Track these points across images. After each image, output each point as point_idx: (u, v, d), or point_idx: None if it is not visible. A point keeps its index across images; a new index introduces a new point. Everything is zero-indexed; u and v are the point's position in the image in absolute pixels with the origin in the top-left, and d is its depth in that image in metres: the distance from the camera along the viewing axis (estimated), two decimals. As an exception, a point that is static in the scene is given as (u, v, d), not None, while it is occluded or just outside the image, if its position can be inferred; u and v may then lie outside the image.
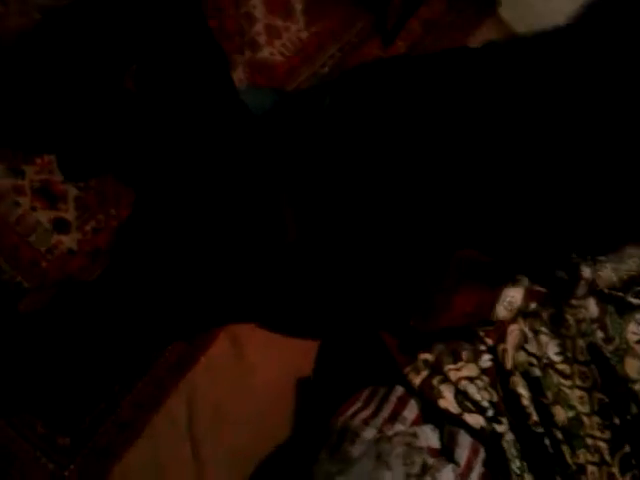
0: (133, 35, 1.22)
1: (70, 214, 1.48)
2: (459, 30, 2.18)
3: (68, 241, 1.45)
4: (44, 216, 1.45)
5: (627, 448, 1.16)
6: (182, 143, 1.22)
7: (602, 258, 1.36)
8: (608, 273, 1.31)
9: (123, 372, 1.40)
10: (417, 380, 1.16)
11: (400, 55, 1.64)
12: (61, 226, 1.46)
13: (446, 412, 1.12)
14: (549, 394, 1.17)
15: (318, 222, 1.19)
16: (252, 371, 1.47)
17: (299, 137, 1.21)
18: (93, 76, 1.28)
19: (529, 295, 1.22)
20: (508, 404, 1.16)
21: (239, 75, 1.80)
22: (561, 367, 1.22)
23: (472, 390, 1.13)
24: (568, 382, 1.22)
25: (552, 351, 1.24)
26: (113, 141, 1.34)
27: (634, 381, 1.25)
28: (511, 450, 1.11)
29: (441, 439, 1.12)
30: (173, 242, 1.23)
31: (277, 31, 1.95)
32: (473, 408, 1.13)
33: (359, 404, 1.22)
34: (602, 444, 1.16)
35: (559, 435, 1.14)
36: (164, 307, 1.24)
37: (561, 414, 1.15)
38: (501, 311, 1.20)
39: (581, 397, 1.21)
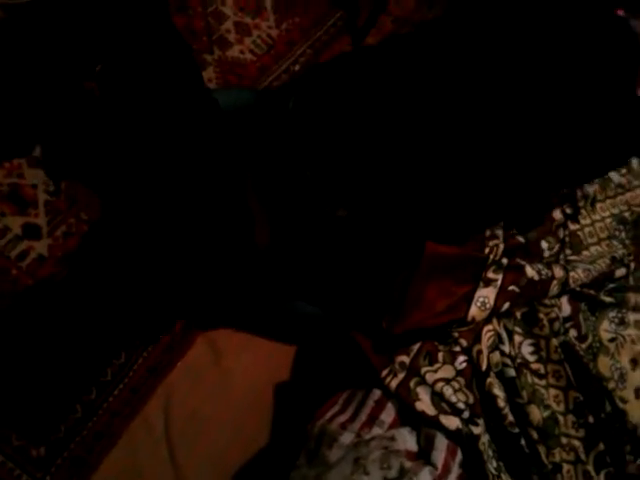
0: (97, 33, 1.19)
1: (41, 219, 1.45)
2: (430, 26, 2.17)
3: (39, 247, 1.42)
4: (14, 222, 1.42)
5: (601, 446, 1.18)
6: (149, 143, 1.20)
7: (573, 258, 1.38)
8: (579, 272, 1.32)
9: (97, 377, 1.38)
10: (394, 383, 1.17)
11: (351, 51, 1.62)
12: (31, 232, 1.43)
13: (423, 414, 1.13)
14: (524, 394, 1.18)
15: (289, 224, 1.18)
16: (230, 376, 1.46)
17: (267, 139, 1.20)
18: (55, 76, 1.25)
19: (502, 295, 1.23)
20: (484, 405, 1.17)
21: (209, 74, 1.77)
22: (535, 366, 1.24)
23: (448, 392, 1.14)
24: (543, 381, 1.23)
25: (526, 351, 1.25)
26: (76, 143, 1.32)
27: (608, 379, 1.27)
28: (487, 451, 1.12)
29: (418, 442, 1.12)
30: (142, 243, 1.21)
31: (247, 29, 1.93)
32: (449, 410, 1.14)
33: (337, 408, 1.22)
34: (577, 442, 1.18)
35: (535, 435, 1.15)
36: (133, 307, 1.23)
37: (536, 414, 1.16)
38: (475, 312, 1.20)
39: (556, 396, 1.23)
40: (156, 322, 1.40)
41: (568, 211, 1.47)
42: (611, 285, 1.43)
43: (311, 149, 1.10)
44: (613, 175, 1.64)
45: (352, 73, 1.15)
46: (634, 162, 1.73)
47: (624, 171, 1.68)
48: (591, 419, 1.21)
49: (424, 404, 1.13)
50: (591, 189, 1.54)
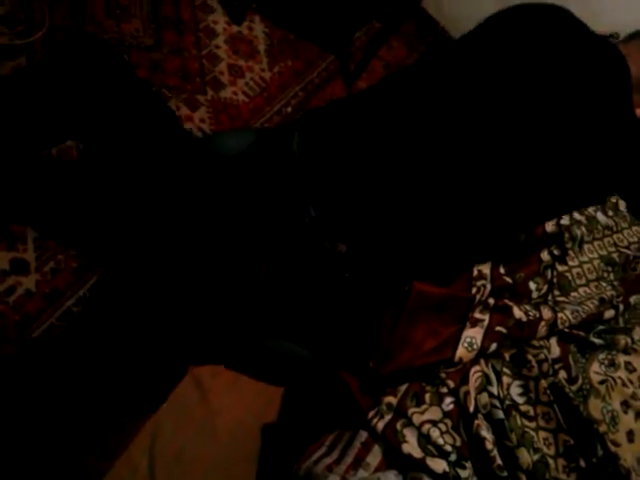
0: (73, 106, 1.20)
1: (29, 255, 1.45)
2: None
3: (27, 282, 1.42)
4: (2, 257, 1.42)
5: (593, 491, 1.16)
6: (140, 196, 1.21)
7: (562, 299, 1.37)
8: (568, 314, 1.32)
9: (88, 420, 1.36)
10: (381, 424, 1.15)
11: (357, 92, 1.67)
12: (19, 267, 1.43)
13: (409, 457, 1.11)
14: (513, 437, 1.16)
15: (286, 260, 1.18)
16: (216, 415, 1.44)
17: (270, 178, 1.21)
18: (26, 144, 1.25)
19: (489, 336, 1.22)
20: (472, 448, 1.14)
21: (202, 114, 1.80)
22: (524, 408, 1.22)
23: (435, 434, 1.12)
24: (532, 424, 1.21)
25: (515, 392, 1.24)
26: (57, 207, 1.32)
27: (599, 422, 1.25)
28: (475, 495, 1.10)
29: (405, 485, 1.10)
30: (141, 287, 1.20)
31: (240, 71, 1.97)
32: (436, 452, 1.12)
33: (323, 449, 1.20)
34: (567, 487, 1.16)
35: (524, 479, 1.13)
36: (133, 352, 1.21)
37: (526, 457, 1.14)
38: (462, 352, 1.19)
39: (546, 439, 1.21)
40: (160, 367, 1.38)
41: (556, 252, 1.48)
42: (600, 327, 1.42)
43: (314, 187, 1.11)
44: (600, 217, 1.65)
45: (351, 115, 1.17)
46: (621, 204, 1.75)
47: (611, 213, 1.69)
48: (582, 463, 1.18)
49: (411, 446, 1.11)
50: (578, 231, 1.54)
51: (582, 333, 1.37)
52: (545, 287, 1.41)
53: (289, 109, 1.98)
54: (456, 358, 1.19)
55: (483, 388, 1.20)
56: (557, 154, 1.08)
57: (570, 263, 1.49)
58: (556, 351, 1.32)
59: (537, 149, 1.07)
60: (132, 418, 1.40)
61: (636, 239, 1.70)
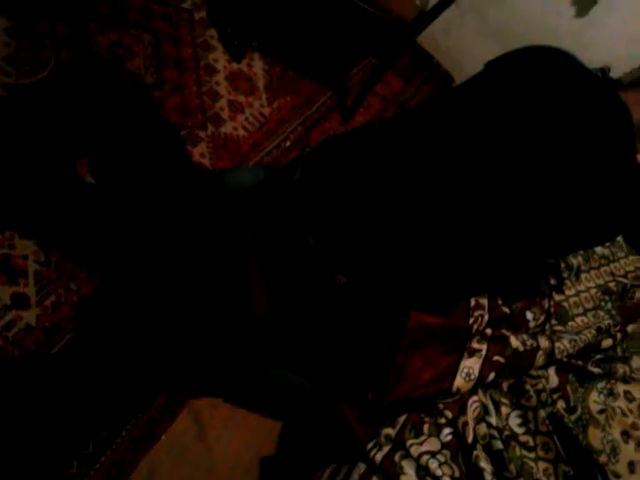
0: (87, 122, 1.23)
1: (30, 289, 1.46)
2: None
3: (27, 316, 1.43)
4: (3, 291, 1.43)
5: (593, 523, 1.15)
6: (146, 224, 1.22)
7: (559, 328, 1.38)
8: (565, 343, 1.33)
9: (79, 450, 1.35)
10: (379, 456, 1.14)
11: (364, 125, 1.71)
12: (20, 301, 1.44)
13: (408, 489, 1.10)
14: (512, 467, 1.16)
15: (287, 292, 1.19)
16: (214, 451, 1.43)
17: (273, 208, 1.23)
18: (47, 158, 1.28)
19: (487, 366, 1.22)
20: (471, 479, 1.14)
21: (202, 149, 1.83)
22: (524, 439, 1.22)
23: (433, 465, 1.12)
24: (532, 454, 1.21)
25: (514, 422, 1.24)
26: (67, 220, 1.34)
27: (599, 452, 1.25)
28: (475, 528, 1.09)
29: (404, 518, 1.09)
30: (138, 318, 1.21)
31: (240, 107, 2.01)
32: (435, 484, 1.11)
33: (322, 483, 1.19)
34: (568, 519, 1.15)
35: (523, 510, 1.12)
36: (125, 380, 1.22)
37: (525, 488, 1.14)
38: (460, 382, 1.19)
39: (545, 469, 1.20)
40: (142, 394, 1.39)
41: (552, 282, 1.49)
42: (598, 356, 1.42)
43: (314, 218, 1.13)
44: (597, 247, 1.67)
45: (351, 150, 1.20)
46: (617, 234, 1.76)
47: (607, 243, 1.71)
48: (582, 494, 1.18)
49: (409, 478, 1.11)
50: (575, 260, 1.56)
51: (580, 362, 1.38)
52: (542, 317, 1.42)
53: (288, 143, 2.02)
54: (454, 388, 1.19)
55: (481, 418, 1.20)
56: (562, 201, 1.09)
57: (567, 292, 1.50)
58: (554, 381, 1.32)
59: (540, 197, 1.09)
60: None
61: (632, 268, 1.71)
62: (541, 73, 1.15)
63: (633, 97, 1.14)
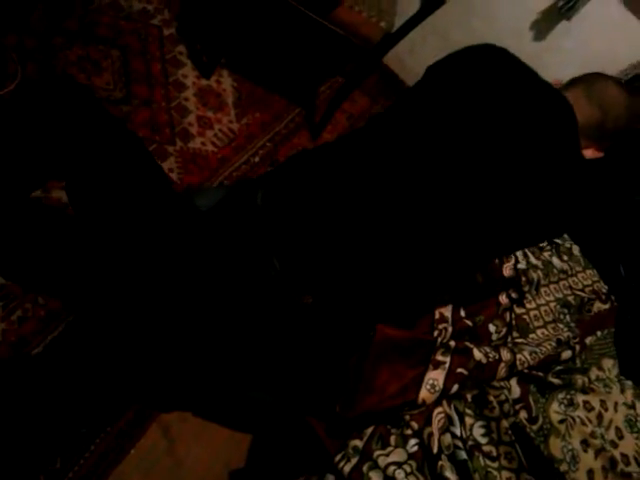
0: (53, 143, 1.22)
1: (-6, 303, 1.44)
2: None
3: (-8, 331, 1.41)
4: (-32, 307, 1.41)
5: (554, 529, 1.18)
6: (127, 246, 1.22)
7: (520, 341, 1.42)
8: (526, 355, 1.37)
9: (46, 465, 1.33)
10: (347, 468, 1.16)
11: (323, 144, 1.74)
12: (-16, 317, 1.42)
13: (376, 500, 1.12)
14: (477, 477, 1.18)
15: (256, 315, 1.19)
16: (183, 465, 1.42)
17: (236, 232, 1.23)
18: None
19: (451, 377, 1.25)
20: (436, 489, 1.16)
21: (171, 164, 1.84)
22: (487, 449, 1.25)
23: (400, 476, 1.14)
24: (495, 464, 1.24)
25: (477, 433, 1.27)
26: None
27: (559, 461, 1.29)
28: (440, 537, 1.11)
29: (371, 529, 1.11)
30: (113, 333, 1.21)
31: (209, 122, 2.03)
32: (402, 495, 1.13)
33: (290, 495, 1.20)
34: (529, 526, 1.18)
35: (487, 518, 1.15)
36: (101, 390, 1.21)
37: (489, 497, 1.16)
38: (425, 394, 1.22)
39: (509, 478, 1.23)
40: (111, 408, 1.38)
41: (514, 295, 1.54)
42: (558, 367, 1.47)
43: (278, 240, 1.14)
44: (555, 261, 1.72)
45: (314, 169, 1.22)
46: (575, 249, 1.83)
47: (566, 257, 1.77)
48: (544, 502, 1.21)
49: (377, 489, 1.13)
50: (535, 275, 1.61)
51: (541, 374, 1.42)
52: (504, 329, 1.46)
53: (257, 159, 2.04)
54: (419, 400, 1.22)
55: (446, 429, 1.23)
56: (508, 196, 1.13)
57: (528, 306, 1.55)
58: (516, 391, 1.36)
59: (488, 192, 1.12)
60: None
61: (590, 282, 1.77)
62: (481, 70, 1.19)
63: (572, 95, 1.20)
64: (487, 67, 1.20)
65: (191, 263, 1.20)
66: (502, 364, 1.32)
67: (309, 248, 1.13)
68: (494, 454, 1.26)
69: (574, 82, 1.26)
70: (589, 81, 1.24)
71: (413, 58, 2.50)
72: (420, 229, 1.13)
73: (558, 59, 2.15)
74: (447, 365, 1.26)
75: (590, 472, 1.33)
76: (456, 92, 1.18)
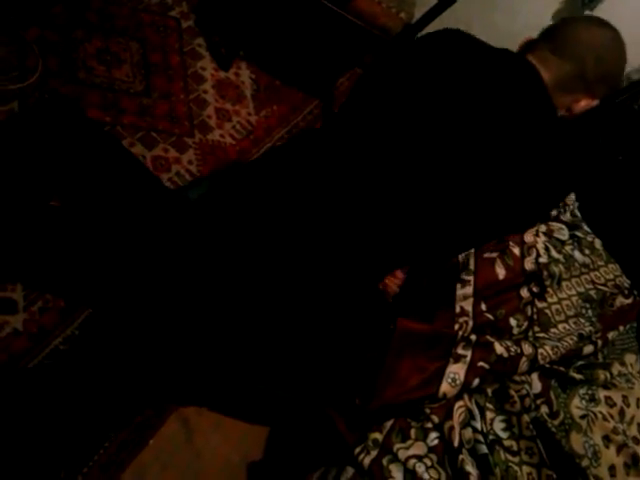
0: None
1: (17, 294, 1.45)
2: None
3: (14, 321, 1.42)
4: (-10, 296, 1.43)
5: (575, 524, 1.17)
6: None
7: (542, 335, 1.41)
8: (548, 349, 1.35)
9: (68, 457, 1.34)
10: (367, 460, 1.16)
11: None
12: (7, 307, 1.43)
13: (396, 493, 1.12)
14: (497, 471, 1.18)
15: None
16: (202, 456, 1.43)
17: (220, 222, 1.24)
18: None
19: (472, 371, 1.25)
20: (457, 483, 1.16)
21: (190, 156, 1.84)
22: (508, 443, 1.24)
23: (420, 469, 1.13)
24: (516, 458, 1.23)
25: (498, 427, 1.26)
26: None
27: (581, 456, 1.28)
28: (461, 530, 1.11)
29: (391, 522, 1.11)
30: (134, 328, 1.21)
31: (227, 115, 2.02)
32: (422, 488, 1.13)
33: (310, 487, 1.20)
34: (551, 521, 1.17)
35: (508, 513, 1.14)
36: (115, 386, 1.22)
37: (510, 491, 1.16)
38: (446, 388, 1.21)
39: (529, 473, 1.22)
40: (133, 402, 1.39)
41: (535, 289, 1.52)
42: (580, 362, 1.45)
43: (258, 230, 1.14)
44: (577, 255, 1.70)
45: (295, 159, 1.21)
46: (597, 243, 1.80)
47: (588, 251, 1.75)
48: (565, 497, 1.20)
49: (397, 482, 1.12)
50: (556, 268, 1.59)
51: (562, 368, 1.40)
52: (525, 323, 1.44)
53: (275, 151, 2.04)
54: (440, 394, 1.21)
55: (467, 423, 1.22)
56: (488, 175, 1.10)
57: (549, 300, 1.53)
58: (537, 386, 1.35)
59: (475, 168, 1.10)
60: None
61: (612, 276, 1.75)
62: (440, 55, 1.18)
63: (538, 56, 1.18)
64: (445, 51, 1.19)
65: (188, 254, 1.19)
66: (524, 358, 1.31)
67: (291, 236, 1.12)
68: (515, 449, 1.25)
69: (542, 38, 1.23)
70: (555, 34, 1.21)
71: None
72: (402, 214, 1.12)
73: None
74: (468, 359, 1.25)
75: (612, 468, 1.32)
76: (420, 79, 1.16)
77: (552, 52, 1.18)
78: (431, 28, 1.91)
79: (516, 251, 1.60)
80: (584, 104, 1.21)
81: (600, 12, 2.02)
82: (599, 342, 1.51)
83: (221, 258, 1.14)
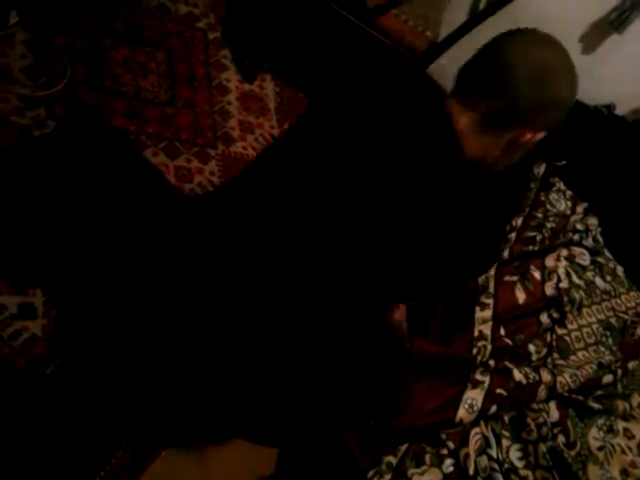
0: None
1: (38, 299, 1.46)
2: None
3: (33, 327, 1.43)
4: (11, 301, 1.43)
5: None
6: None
7: (560, 362, 1.39)
8: (567, 377, 1.33)
9: (81, 464, 1.34)
10: (380, 485, 1.15)
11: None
12: (27, 312, 1.44)
13: (408, 519, 1.10)
14: (512, 501, 1.16)
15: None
16: (210, 471, 1.42)
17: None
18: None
19: (490, 398, 1.23)
20: (471, 512, 1.14)
21: (212, 168, 1.85)
22: (524, 473, 1.22)
23: (434, 496, 1.12)
24: (531, 488, 1.21)
25: (514, 456, 1.24)
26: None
27: (597, 489, 1.25)
28: None
29: None
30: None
31: (250, 127, 2.03)
32: (436, 515, 1.12)
33: (321, 509, 1.19)
34: None
35: None
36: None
37: (524, 523, 1.14)
38: (463, 414, 1.20)
39: (544, 504, 1.21)
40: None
41: (555, 315, 1.50)
42: (599, 391, 1.43)
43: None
44: (599, 281, 1.68)
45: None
46: (619, 270, 1.78)
47: (609, 278, 1.73)
48: (581, 531, 1.18)
49: (410, 508, 1.11)
50: (577, 295, 1.57)
51: (581, 397, 1.38)
52: (544, 350, 1.42)
53: (296, 165, 2.04)
54: (457, 419, 1.19)
55: (483, 450, 1.21)
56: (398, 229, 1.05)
57: (569, 326, 1.51)
58: (555, 415, 1.33)
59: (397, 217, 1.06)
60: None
61: (633, 304, 1.73)
62: (357, 109, 1.13)
63: (457, 105, 1.09)
64: (365, 104, 1.14)
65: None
66: (542, 386, 1.29)
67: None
68: (531, 478, 1.23)
69: (466, 71, 1.12)
70: (481, 62, 1.09)
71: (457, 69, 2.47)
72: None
73: (608, 73, 2.10)
74: (486, 385, 1.23)
75: (629, 502, 1.30)
76: (337, 132, 1.12)
77: (474, 90, 1.07)
78: (457, 47, 1.91)
79: (537, 275, 1.58)
80: (529, 137, 1.07)
81: (630, 35, 2.01)
82: (619, 372, 1.48)
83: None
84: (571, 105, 1.09)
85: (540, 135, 1.07)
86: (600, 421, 1.38)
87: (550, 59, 1.04)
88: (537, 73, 1.01)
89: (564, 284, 1.59)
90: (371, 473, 1.16)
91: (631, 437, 1.39)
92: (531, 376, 1.29)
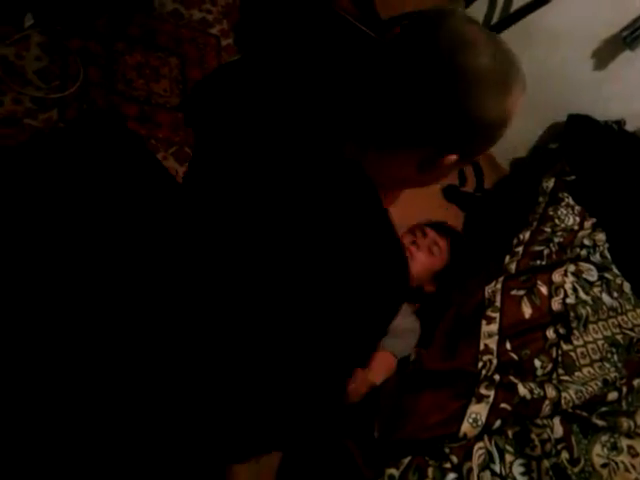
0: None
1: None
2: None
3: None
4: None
5: None
6: None
7: (566, 378, 1.38)
8: (572, 393, 1.33)
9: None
10: (382, 497, 1.14)
11: None
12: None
13: (410, 532, 1.10)
14: (515, 517, 1.16)
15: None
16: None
17: None
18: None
19: (494, 412, 1.23)
20: (473, 527, 1.14)
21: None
22: (526, 489, 1.22)
23: (436, 511, 1.12)
24: (534, 504, 1.21)
25: (517, 471, 1.23)
26: None
27: (601, 507, 1.24)
28: None
29: None
30: None
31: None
32: (437, 530, 1.11)
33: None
34: None
35: None
36: None
37: (526, 539, 1.13)
38: (467, 428, 1.20)
39: (547, 521, 1.20)
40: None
41: (561, 331, 1.50)
42: (603, 408, 1.42)
43: None
44: (605, 298, 1.68)
45: None
46: (626, 286, 1.77)
47: (616, 294, 1.72)
48: None
49: (411, 521, 1.11)
50: (584, 310, 1.57)
51: (585, 414, 1.38)
52: (550, 365, 1.42)
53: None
54: (461, 433, 1.19)
55: (486, 465, 1.20)
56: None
57: (575, 342, 1.51)
58: (559, 431, 1.32)
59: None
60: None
61: (640, 322, 1.72)
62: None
63: (402, 158, 0.84)
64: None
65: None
66: (547, 401, 1.29)
67: None
68: (533, 494, 1.22)
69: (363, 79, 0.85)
70: (380, 65, 0.82)
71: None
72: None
73: (620, 89, 2.10)
74: (491, 399, 1.23)
75: (633, 522, 1.29)
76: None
77: (368, 102, 0.83)
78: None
79: (544, 290, 1.58)
80: (453, 160, 0.81)
81: (640, 53, 2.02)
82: (624, 389, 1.48)
83: None
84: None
85: (453, 158, 0.83)
86: (604, 438, 1.37)
87: (477, 58, 0.76)
88: (448, 80, 0.76)
89: (571, 300, 1.58)
90: (373, 485, 1.16)
91: (635, 455, 1.38)
92: (536, 391, 1.29)
